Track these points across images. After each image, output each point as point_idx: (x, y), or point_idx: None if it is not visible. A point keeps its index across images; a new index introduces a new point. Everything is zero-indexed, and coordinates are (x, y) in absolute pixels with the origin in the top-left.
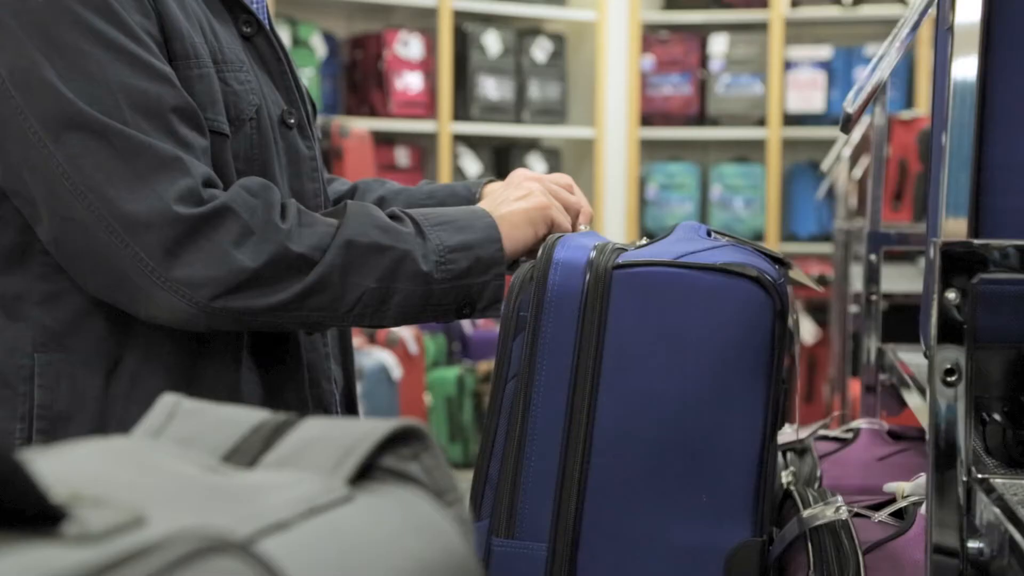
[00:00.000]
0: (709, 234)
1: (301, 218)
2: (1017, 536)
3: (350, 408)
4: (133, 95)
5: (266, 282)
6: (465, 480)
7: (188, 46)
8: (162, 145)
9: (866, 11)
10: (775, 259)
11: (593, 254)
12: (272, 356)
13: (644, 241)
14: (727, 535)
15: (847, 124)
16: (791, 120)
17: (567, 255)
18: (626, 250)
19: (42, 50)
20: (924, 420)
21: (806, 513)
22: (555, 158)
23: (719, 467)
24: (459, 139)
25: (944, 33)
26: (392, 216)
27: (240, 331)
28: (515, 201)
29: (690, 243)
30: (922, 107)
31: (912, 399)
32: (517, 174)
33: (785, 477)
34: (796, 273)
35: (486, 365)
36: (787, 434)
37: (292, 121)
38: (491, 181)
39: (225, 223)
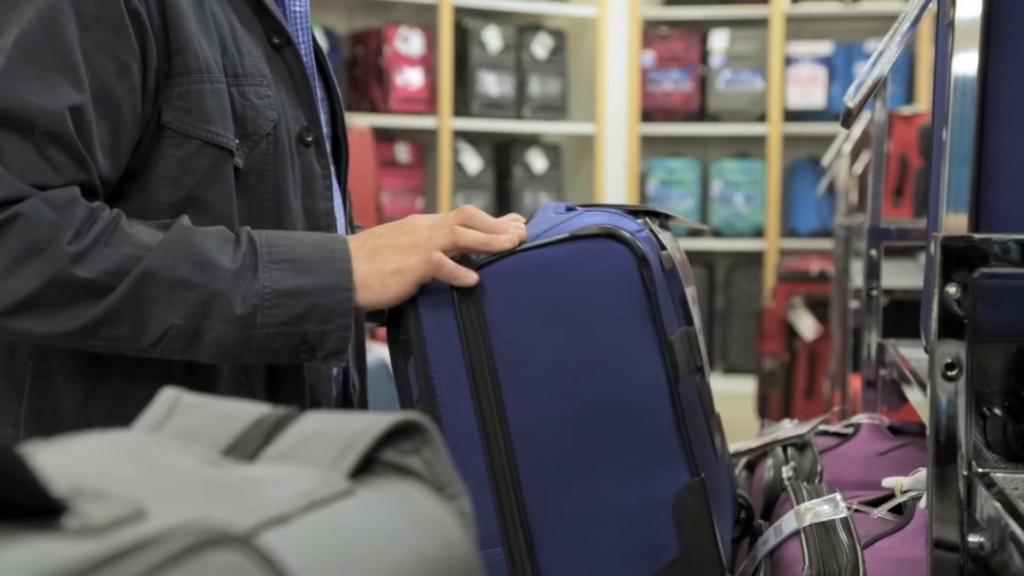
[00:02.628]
0: (572, 208)
1: (112, 236)
2: (1018, 530)
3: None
4: (10, 102)
5: (47, 306)
6: None
7: (200, 60)
8: None
9: (866, 7)
10: (649, 213)
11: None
12: (273, 378)
13: None
14: (666, 483)
15: (848, 119)
16: (791, 116)
17: None
18: None
19: None
20: (925, 415)
21: (801, 507)
22: (555, 154)
23: (636, 422)
24: (459, 135)
25: (945, 28)
26: (236, 239)
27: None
28: (394, 242)
29: (543, 224)
30: (923, 103)
31: (913, 394)
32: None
33: (785, 472)
34: (681, 220)
35: None
36: (788, 429)
37: (310, 139)
38: None
39: (7, 239)
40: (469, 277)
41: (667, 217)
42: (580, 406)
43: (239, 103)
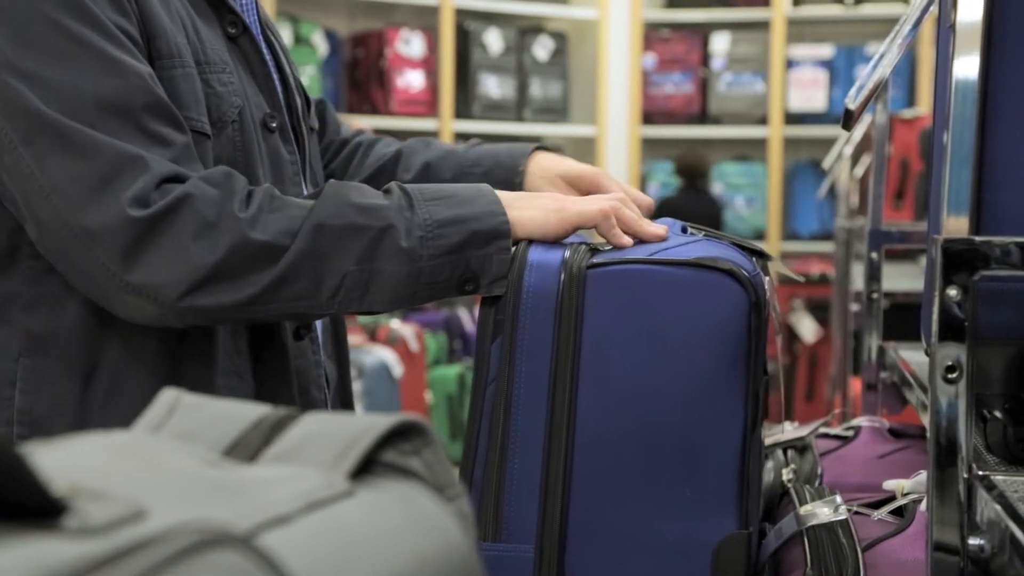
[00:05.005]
0: (685, 230)
1: (272, 203)
2: (1018, 533)
3: (345, 405)
4: (102, 93)
5: (231, 275)
6: None
7: (172, 45)
8: (123, 145)
9: (867, 10)
10: (754, 252)
11: (567, 254)
12: (260, 364)
13: None
14: (713, 528)
15: (848, 120)
16: (792, 119)
17: (541, 256)
18: (600, 249)
19: (12, 48)
20: (925, 418)
21: (803, 510)
22: None
23: (701, 461)
24: (460, 137)
25: (946, 31)
26: (385, 191)
27: (225, 336)
28: (539, 198)
29: (660, 241)
30: (924, 106)
31: (913, 397)
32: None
33: (786, 474)
34: (776, 265)
35: None
36: (788, 431)
37: (274, 125)
38: (540, 148)
39: (180, 218)
40: (627, 240)
41: (766, 258)
42: (651, 429)
43: (204, 91)
